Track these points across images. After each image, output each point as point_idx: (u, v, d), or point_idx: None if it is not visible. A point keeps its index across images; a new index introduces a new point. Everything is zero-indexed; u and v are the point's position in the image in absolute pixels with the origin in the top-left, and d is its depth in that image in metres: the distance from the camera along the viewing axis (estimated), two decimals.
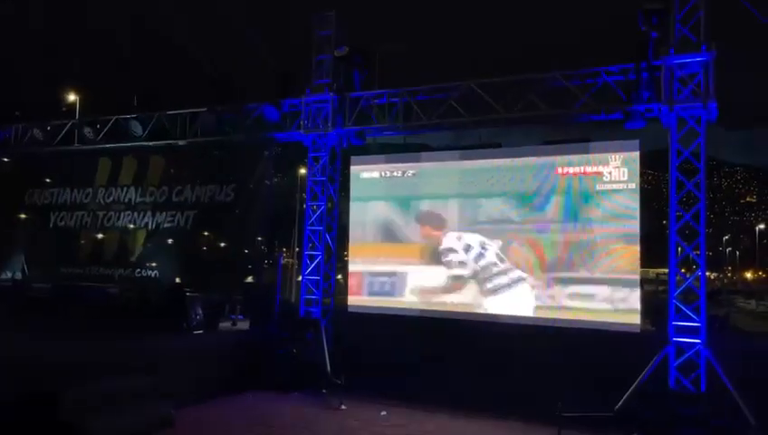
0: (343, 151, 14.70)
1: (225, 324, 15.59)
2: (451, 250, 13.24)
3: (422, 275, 13.51)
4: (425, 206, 13.74)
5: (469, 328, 12.73)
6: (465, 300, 12.95)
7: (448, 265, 13.24)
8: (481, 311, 12.78)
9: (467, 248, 13.05)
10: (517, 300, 12.47)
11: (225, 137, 15.38)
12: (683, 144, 11.10)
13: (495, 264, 12.74)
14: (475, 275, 12.93)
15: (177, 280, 16.21)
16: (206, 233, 17.38)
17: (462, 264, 13.09)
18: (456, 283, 13.08)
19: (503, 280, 12.62)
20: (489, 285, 12.74)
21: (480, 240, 12.95)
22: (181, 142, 15.98)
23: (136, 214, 17.29)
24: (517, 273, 12.50)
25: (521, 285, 12.45)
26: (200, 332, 13.87)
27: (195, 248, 17.00)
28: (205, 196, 16.19)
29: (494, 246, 12.78)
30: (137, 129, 16.42)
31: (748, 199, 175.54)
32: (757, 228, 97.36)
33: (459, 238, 13.20)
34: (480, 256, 12.91)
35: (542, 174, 12.49)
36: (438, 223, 13.47)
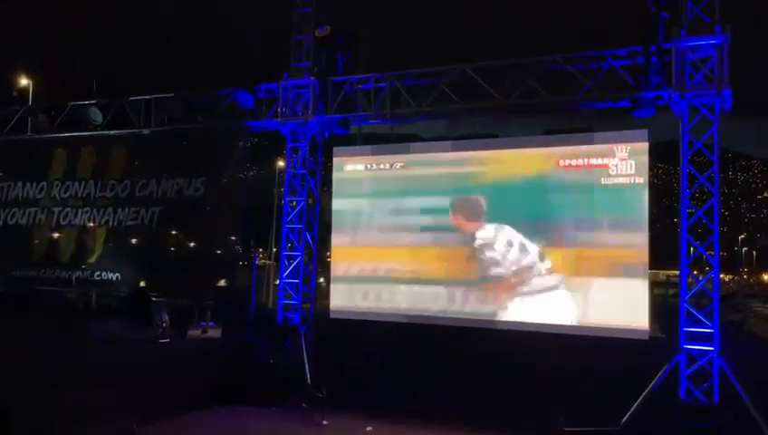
0: (325, 141, 14.67)
1: (194, 332, 15.56)
2: (488, 246, 12.90)
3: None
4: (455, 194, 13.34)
5: (463, 333, 12.76)
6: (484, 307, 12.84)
7: (483, 262, 12.91)
8: (487, 318, 12.75)
9: (510, 244, 12.70)
10: (523, 306, 12.49)
11: (195, 125, 15.31)
12: (695, 134, 11.19)
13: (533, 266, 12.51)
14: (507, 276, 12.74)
15: (142, 284, 16.09)
16: (173, 231, 17.24)
17: (497, 262, 12.80)
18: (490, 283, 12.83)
19: (535, 285, 12.49)
20: (522, 289, 12.55)
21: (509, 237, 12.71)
22: (146, 131, 15.88)
23: (95, 210, 17.11)
24: (551, 280, 12.33)
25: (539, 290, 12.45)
26: (167, 340, 13.83)
27: (161, 248, 16.85)
28: (172, 190, 16.04)
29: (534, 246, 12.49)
30: (96, 116, 16.29)
31: (766, 195, 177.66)
32: None
33: (497, 232, 12.80)
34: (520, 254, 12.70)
35: (543, 167, 12.53)
36: (475, 212, 13.07)
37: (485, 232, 12.89)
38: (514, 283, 12.52)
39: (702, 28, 11.01)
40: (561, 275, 12.10)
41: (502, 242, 12.70)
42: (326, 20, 13.98)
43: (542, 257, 12.30)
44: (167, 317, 14.02)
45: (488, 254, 12.80)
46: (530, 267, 12.41)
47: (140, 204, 16.38)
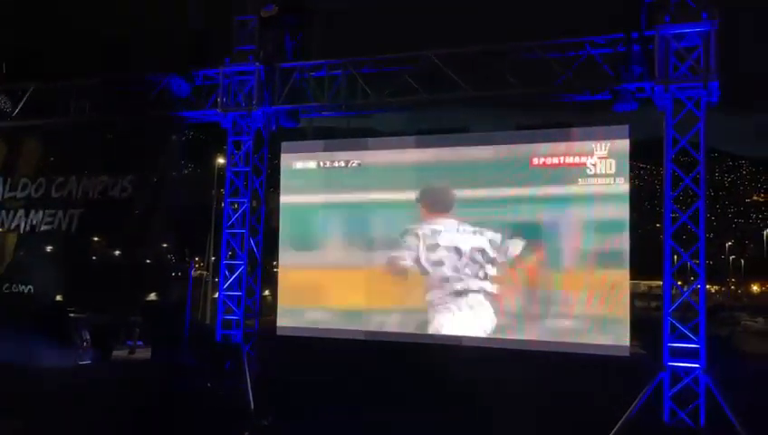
0: (272, 136, 14.58)
1: (120, 352, 15.29)
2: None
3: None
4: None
5: (423, 351, 12.82)
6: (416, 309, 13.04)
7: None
8: (434, 330, 12.84)
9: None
10: (480, 319, 12.60)
11: (122, 116, 15.04)
12: (680, 131, 11.47)
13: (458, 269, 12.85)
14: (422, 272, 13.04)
15: (58, 298, 15.79)
16: (95, 238, 16.96)
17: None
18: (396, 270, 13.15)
19: (460, 290, 12.75)
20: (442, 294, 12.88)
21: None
22: (64, 122, 15.55)
23: (4, 213, 16.70)
24: (477, 284, 12.66)
25: (482, 300, 12.60)
26: (87, 362, 13.56)
27: (81, 257, 16.58)
28: (94, 190, 15.75)
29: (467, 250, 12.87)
30: (5, 104, 15.90)
31: (755, 198, 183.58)
32: (765, 233, 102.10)
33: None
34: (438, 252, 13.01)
35: (515, 165, 12.68)
36: (441, 206, 13.18)
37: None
38: (474, 291, 12.65)
39: (687, 15, 11.27)
40: (535, 289, 12.26)
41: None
42: None
43: (510, 269, 12.44)
44: (88, 336, 13.78)
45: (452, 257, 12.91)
46: (498, 281, 12.55)
47: (57, 206, 16.04)
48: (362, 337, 13.40)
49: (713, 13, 11.10)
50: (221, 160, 27.89)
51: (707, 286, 11.56)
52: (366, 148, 14.21)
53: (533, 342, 12.14)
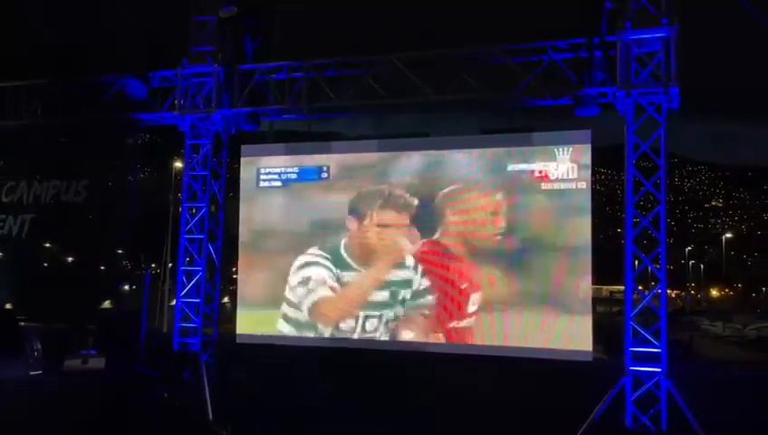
0: (232, 139, 14.47)
1: (73, 362, 14.98)
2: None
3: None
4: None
5: (389, 358, 12.83)
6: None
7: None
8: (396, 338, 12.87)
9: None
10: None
11: (75, 118, 14.81)
12: (641, 136, 11.68)
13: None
14: None
15: (8, 305, 15.49)
16: (47, 244, 16.66)
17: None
18: None
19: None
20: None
21: None
22: (14, 124, 15.26)
23: None
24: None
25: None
26: (38, 372, 13.29)
27: (33, 263, 16.27)
28: (46, 195, 15.51)
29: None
30: None
31: (714, 204, 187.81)
32: (724, 238, 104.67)
33: None
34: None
35: (476, 170, 12.76)
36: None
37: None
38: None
39: (648, 20, 11.46)
40: (495, 293, 12.34)
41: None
42: None
43: (472, 272, 12.53)
44: (39, 345, 13.48)
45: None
46: (459, 285, 12.63)
47: (7, 211, 15.79)
48: (326, 344, 13.37)
49: (673, 19, 11.30)
50: (178, 164, 27.66)
51: (668, 291, 11.75)
52: (329, 152, 14.19)
53: (494, 347, 12.22)
